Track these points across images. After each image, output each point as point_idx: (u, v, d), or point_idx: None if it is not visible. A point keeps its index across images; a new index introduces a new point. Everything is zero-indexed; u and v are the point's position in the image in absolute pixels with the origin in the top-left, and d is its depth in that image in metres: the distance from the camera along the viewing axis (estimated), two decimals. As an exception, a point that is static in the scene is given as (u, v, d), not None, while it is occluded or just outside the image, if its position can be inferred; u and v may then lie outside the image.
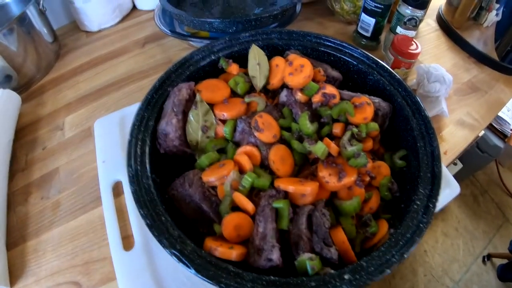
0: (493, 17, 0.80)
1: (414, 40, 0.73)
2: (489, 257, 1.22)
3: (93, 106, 0.72)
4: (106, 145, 0.63)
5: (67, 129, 0.70)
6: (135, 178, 0.45)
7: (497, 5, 0.78)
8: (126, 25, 0.89)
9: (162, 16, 0.77)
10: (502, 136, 1.13)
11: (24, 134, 0.70)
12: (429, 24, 0.92)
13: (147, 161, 0.47)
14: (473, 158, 1.15)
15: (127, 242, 0.54)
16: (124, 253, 0.52)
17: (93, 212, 0.59)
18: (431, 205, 0.44)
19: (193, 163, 0.50)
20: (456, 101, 0.77)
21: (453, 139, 0.71)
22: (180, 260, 0.39)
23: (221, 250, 0.41)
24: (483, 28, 0.83)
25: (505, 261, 1.18)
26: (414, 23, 0.74)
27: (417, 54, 0.72)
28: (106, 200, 0.57)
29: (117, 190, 0.59)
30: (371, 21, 0.74)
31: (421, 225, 0.42)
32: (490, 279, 1.20)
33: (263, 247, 0.41)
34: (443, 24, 0.91)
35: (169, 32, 0.72)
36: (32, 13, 0.75)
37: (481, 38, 0.84)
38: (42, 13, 0.79)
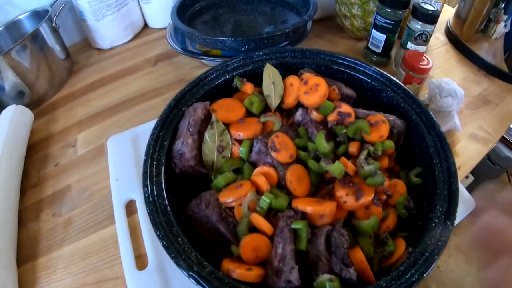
0: (501, 28, 0.80)
1: (425, 55, 0.73)
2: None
3: (105, 124, 0.73)
4: (119, 163, 0.63)
5: (79, 146, 0.70)
6: (151, 199, 0.45)
7: (505, 16, 0.78)
8: (138, 43, 0.90)
9: (174, 34, 0.78)
10: (513, 148, 1.13)
11: (36, 151, 0.70)
12: (438, 38, 0.92)
13: (163, 181, 0.47)
14: (485, 170, 1.14)
15: (140, 261, 0.54)
16: (137, 273, 0.52)
17: (105, 230, 0.59)
18: (449, 223, 0.44)
19: (208, 184, 0.50)
20: (468, 115, 0.77)
21: (466, 153, 0.71)
22: (198, 282, 0.39)
23: (239, 272, 0.40)
24: (492, 40, 0.83)
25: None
26: (424, 38, 0.74)
27: (429, 69, 0.72)
28: (119, 219, 0.57)
29: (130, 208, 0.59)
30: (382, 37, 0.75)
31: (439, 243, 0.42)
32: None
33: (282, 268, 0.41)
34: (452, 37, 0.92)
35: (181, 50, 0.73)
36: (45, 30, 0.77)
37: (490, 50, 0.85)
38: (55, 31, 0.80)
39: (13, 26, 0.83)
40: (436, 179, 0.48)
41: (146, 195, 0.45)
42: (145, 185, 0.46)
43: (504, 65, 0.83)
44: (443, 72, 0.83)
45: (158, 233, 0.42)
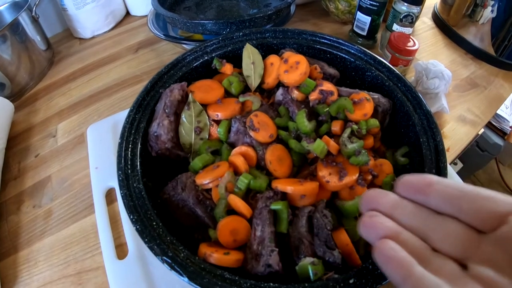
0: (488, 13, 0.78)
1: (411, 37, 0.70)
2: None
3: (85, 113, 0.69)
4: (99, 151, 0.60)
5: (60, 136, 0.67)
6: (125, 182, 0.42)
7: (492, 2, 0.76)
8: (120, 31, 0.87)
9: (155, 20, 0.74)
10: (502, 134, 1.10)
11: (17, 142, 0.67)
12: (424, 22, 0.90)
13: (138, 164, 0.44)
14: (473, 157, 1.11)
15: (120, 250, 0.51)
16: (118, 262, 0.49)
17: (85, 220, 0.56)
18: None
19: (187, 166, 0.47)
20: (456, 97, 0.74)
21: (455, 135, 0.68)
22: (172, 267, 0.36)
23: (217, 256, 0.38)
24: (479, 25, 0.80)
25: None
26: (410, 20, 0.72)
27: (415, 51, 0.69)
28: (99, 208, 0.54)
29: (110, 197, 0.56)
30: (367, 19, 0.72)
31: None
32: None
33: (261, 252, 0.38)
34: (439, 21, 0.89)
35: (162, 36, 0.70)
36: (25, 20, 0.74)
37: (478, 34, 0.82)
38: (35, 21, 0.77)
39: (-7, 17, 0.79)
40: (424, 158, 0.45)
41: (120, 179, 0.42)
42: (119, 169, 0.43)
43: (492, 49, 0.81)
44: (430, 55, 0.80)
45: (131, 217, 0.40)
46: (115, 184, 0.56)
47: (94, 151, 0.60)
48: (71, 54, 0.82)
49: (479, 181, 1.31)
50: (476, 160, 1.11)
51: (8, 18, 0.80)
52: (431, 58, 0.79)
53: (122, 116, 0.63)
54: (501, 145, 1.08)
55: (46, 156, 0.64)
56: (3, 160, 0.63)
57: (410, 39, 0.70)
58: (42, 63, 0.78)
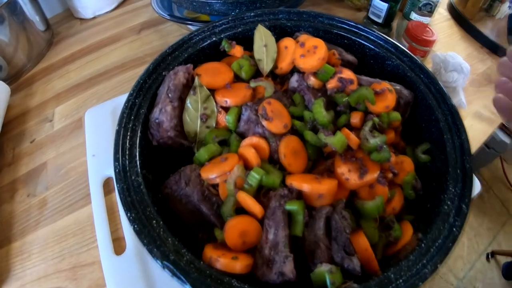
0: (506, 9, 0.71)
1: (429, 26, 0.63)
2: (492, 254, 1.13)
3: (84, 96, 0.62)
4: (96, 137, 0.54)
5: (57, 120, 0.60)
6: (122, 174, 0.36)
7: (511, -3, 0.69)
8: (122, 11, 0.78)
9: (160, 0, 0.67)
10: (509, 132, 1.03)
11: (12, 127, 0.61)
12: (440, 13, 0.82)
13: (137, 154, 0.38)
14: (479, 154, 1.05)
15: (118, 245, 0.45)
16: (115, 258, 0.44)
17: (82, 211, 0.51)
18: (464, 206, 0.36)
19: (191, 157, 0.40)
20: (472, 92, 0.67)
21: (471, 132, 0.62)
22: (173, 273, 0.31)
23: (223, 262, 0.32)
24: (495, 19, 0.74)
25: (509, 259, 1.09)
26: (429, 9, 0.64)
27: (433, 41, 0.62)
28: (95, 198, 0.48)
29: (107, 186, 0.50)
30: (384, 6, 0.64)
31: (454, 229, 0.34)
32: (494, 277, 1.12)
33: (274, 258, 0.32)
34: (455, 13, 0.81)
35: (167, 16, 0.62)
36: (23, 0, 0.66)
37: (494, 29, 0.75)
38: (34, 0, 0.69)
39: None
40: (447, 157, 0.39)
41: (117, 171, 0.36)
42: (116, 159, 0.37)
43: (508, 45, 0.74)
44: (446, 47, 0.73)
45: (129, 214, 0.34)
46: (113, 173, 0.50)
47: (91, 137, 0.54)
48: (71, 35, 0.74)
49: (482, 178, 1.26)
50: (481, 157, 1.05)
51: (7, -2, 0.72)
52: (447, 50, 0.72)
53: (122, 100, 0.55)
54: (507, 143, 1.01)
55: (42, 142, 0.58)
56: (-3, 146, 0.56)
57: (428, 29, 0.63)
58: (41, 44, 0.70)
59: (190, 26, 0.63)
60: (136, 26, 0.74)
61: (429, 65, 0.66)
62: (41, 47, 0.71)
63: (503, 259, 1.10)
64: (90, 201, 0.49)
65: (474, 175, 0.54)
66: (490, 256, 1.12)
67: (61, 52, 0.70)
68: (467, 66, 0.62)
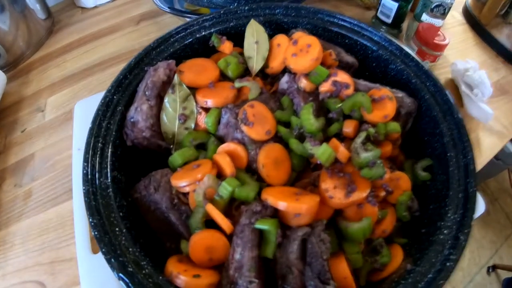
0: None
1: (441, 30, 0.57)
2: (493, 268, 1.05)
3: (77, 87, 0.59)
4: (84, 131, 0.49)
5: (48, 110, 0.57)
6: (89, 176, 0.32)
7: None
8: (123, 1, 0.74)
9: (160, -9, 0.62)
10: (519, 143, 0.96)
11: (5, 115, 0.58)
12: (454, 16, 0.74)
13: (109, 155, 0.34)
14: (487, 165, 0.98)
15: (95, 243, 0.42)
16: (92, 256, 0.41)
17: (64, 205, 0.48)
18: (462, 238, 0.30)
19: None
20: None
21: (479, 147, 0.56)
22: (128, 287, 0.26)
23: (184, 280, 0.28)
24: (512, 26, 0.66)
25: (510, 274, 1.02)
26: (442, 11, 0.58)
27: (445, 46, 0.56)
28: (76, 194, 0.45)
29: (90, 182, 0.47)
30: (394, 5, 0.58)
31: (447, 263, 0.29)
32: (493, 291, 1.05)
33: (238, 281, 0.27)
34: (470, 18, 0.73)
35: (167, 8, 0.58)
36: (24, -12, 0.63)
37: (510, 36, 0.67)
38: (35, -13, 0.66)
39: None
40: (449, 177, 0.34)
41: (85, 172, 0.33)
42: (85, 159, 0.33)
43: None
44: (459, 53, 0.66)
45: (91, 219, 0.30)
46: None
47: (79, 131, 0.50)
48: (72, 23, 0.71)
49: (488, 189, 1.18)
50: (489, 169, 0.98)
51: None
52: (460, 56, 0.65)
53: None
54: (518, 155, 0.94)
55: (32, 132, 0.55)
56: (-10, 134, 0.54)
57: (440, 33, 0.56)
58: (41, 32, 0.68)
59: (189, 19, 0.58)
60: (135, 17, 0.70)
61: (438, 71, 0.60)
62: (40, 35, 0.68)
63: (504, 274, 1.03)
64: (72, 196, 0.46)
65: (478, 193, 0.48)
66: (491, 270, 1.05)
67: (60, 40, 0.67)
68: (489, 89, 0.55)
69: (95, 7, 0.73)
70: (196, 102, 0.36)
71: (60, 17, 0.72)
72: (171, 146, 0.37)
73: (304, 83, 0.37)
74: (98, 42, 0.65)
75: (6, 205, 0.48)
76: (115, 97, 0.37)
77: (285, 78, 0.38)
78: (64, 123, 0.55)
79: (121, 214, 0.31)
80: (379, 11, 0.61)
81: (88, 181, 0.32)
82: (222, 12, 0.43)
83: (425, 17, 0.59)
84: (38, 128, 0.56)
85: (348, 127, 0.36)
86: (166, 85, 0.37)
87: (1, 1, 0.59)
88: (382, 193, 0.35)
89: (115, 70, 0.61)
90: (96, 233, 0.29)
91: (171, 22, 0.67)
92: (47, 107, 0.58)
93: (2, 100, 0.59)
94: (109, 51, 0.63)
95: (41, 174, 0.51)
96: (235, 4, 0.51)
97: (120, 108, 0.37)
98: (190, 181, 0.30)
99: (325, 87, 0.36)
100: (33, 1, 0.66)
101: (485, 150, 0.56)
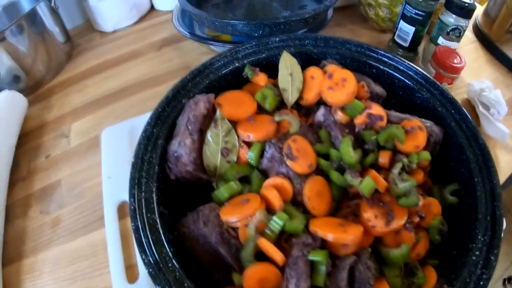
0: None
1: (457, 52, 0.60)
2: (509, 280, 1.08)
3: (101, 113, 0.60)
4: (113, 158, 0.52)
5: (73, 137, 0.59)
6: (137, 212, 0.34)
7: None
8: (143, 26, 0.76)
9: (181, 17, 0.65)
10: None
11: (28, 140, 0.59)
12: (465, 35, 0.78)
13: (154, 189, 0.36)
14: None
15: (131, 273, 0.44)
16: (127, 286, 0.42)
17: (95, 233, 0.49)
18: (492, 258, 0.33)
19: (209, 191, 0.38)
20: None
21: (497, 164, 0.58)
22: None
23: (241, 311, 0.29)
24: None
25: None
26: (458, 34, 0.61)
27: (461, 68, 0.59)
28: (109, 223, 0.47)
29: (123, 210, 0.48)
30: (410, 29, 0.61)
31: (481, 282, 0.31)
32: (508, 303, 1.07)
33: (295, 311, 0.29)
34: (481, 35, 0.77)
35: (188, 34, 0.60)
36: (43, 11, 0.65)
37: (522, 52, 0.71)
38: (54, 12, 0.68)
39: (12, 7, 0.70)
40: (477, 201, 0.36)
41: (132, 208, 0.34)
42: (131, 195, 0.35)
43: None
44: (472, 73, 0.69)
45: (143, 257, 0.31)
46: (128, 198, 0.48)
47: (107, 158, 0.52)
48: (91, 48, 0.73)
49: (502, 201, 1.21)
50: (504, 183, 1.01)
51: (26, 7, 0.71)
52: (473, 76, 0.68)
53: (139, 120, 0.54)
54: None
55: (57, 158, 0.56)
56: (13, 158, 0.55)
57: (457, 55, 0.59)
58: (60, 56, 0.69)
59: (211, 46, 0.61)
60: (156, 42, 0.72)
61: (454, 91, 0.63)
62: (60, 59, 0.69)
63: (518, 285, 1.06)
64: (104, 224, 0.47)
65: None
66: (506, 282, 1.07)
67: (80, 65, 0.69)
68: (504, 107, 0.58)
69: (114, 31, 0.75)
70: (237, 136, 0.38)
71: (78, 41, 0.74)
72: (213, 179, 0.39)
73: (340, 116, 0.39)
74: (120, 68, 0.67)
75: (32, 232, 0.49)
76: (154, 130, 0.39)
77: (322, 111, 0.40)
78: (90, 149, 0.56)
79: (171, 249, 0.33)
80: (396, 34, 0.64)
81: (136, 217, 0.33)
82: (254, 43, 0.45)
83: (441, 40, 0.62)
84: (63, 154, 0.57)
85: (384, 158, 0.38)
86: (206, 118, 0.39)
87: (20, 23, 0.60)
88: (417, 219, 0.37)
89: (140, 96, 0.62)
90: (150, 270, 0.31)
91: (193, 48, 0.69)
92: (72, 133, 0.59)
93: (24, 124, 0.60)
94: (131, 76, 0.65)
95: (69, 202, 0.52)
96: (260, 32, 0.54)
97: (160, 141, 0.38)
98: (241, 217, 0.32)
99: (360, 120, 0.39)
100: (52, 23, 0.67)
101: (503, 167, 0.58)
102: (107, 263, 0.44)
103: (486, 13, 0.77)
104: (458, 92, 0.64)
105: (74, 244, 0.48)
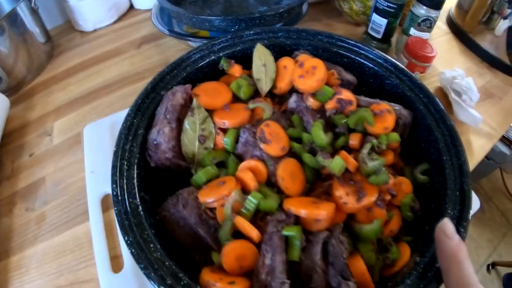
0: (505, 22, 0.71)
1: (429, 42, 0.64)
2: (493, 265, 1.12)
3: (84, 111, 0.63)
4: (95, 153, 0.54)
5: (56, 134, 0.60)
6: (120, 197, 0.36)
7: (509, 11, 0.69)
8: (123, 25, 0.79)
9: (160, 15, 0.67)
10: (508, 142, 1.04)
11: (11, 139, 0.61)
12: (439, 27, 0.82)
13: (135, 176, 0.38)
14: (478, 165, 1.05)
15: (116, 262, 0.46)
16: (113, 276, 0.44)
17: (80, 227, 0.51)
18: (462, 230, 0.35)
19: (189, 178, 0.40)
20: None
21: (470, 148, 0.62)
22: None
23: (220, 286, 0.31)
24: (494, 32, 0.74)
25: (510, 269, 1.09)
26: (429, 24, 0.65)
27: (433, 57, 0.62)
28: (93, 215, 0.49)
29: (106, 203, 0.51)
30: (383, 21, 0.65)
31: None
32: (494, 288, 1.12)
33: (271, 283, 0.32)
34: (454, 27, 0.81)
35: (166, 31, 0.63)
36: (23, 11, 0.66)
37: (493, 42, 0.75)
38: (34, 12, 0.69)
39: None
40: (446, 178, 0.39)
41: (115, 193, 0.36)
42: (113, 181, 0.37)
43: (506, 58, 0.74)
44: (445, 62, 0.73)
45: (126, 238, 0.34)
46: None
47: (90, 154, 0.54)
48: (72, 47, 0.75)
49: (482, 189, 1.26)
50: (481, 168, 1.05)
51: (6, 8, 0.72)
52: (446, 65, 0.72)
53: (120, 116, 0.56)
54: (507, 154, 1.02)
55: (40, 156, 0.58)
56: (-3, 158, 0.57)
57: (428, 45, 0.63)
58: (41, 56, 0.71)
59: (189, 42, 0.63)
60: (136, 40, 0.74)
61: (427, 80, 0.67)
62: (41, 59, 0.71)
63: (503, 270, 1.10)
64: (88, 217, 0.49)
65: (473, 191, 0.54)
66: (490, 267, 1.12)
67: (62, 64, 0.71)
68: (476, 94, 0.62)
69: (94, 30, 0.77)
70: (214, 123, 0.41)
71: (59, 41, 0.76)
72: (191, 166, 0.41)
73: (311, 102, 0.42)
74: (101, 66, 0.69)
75: (18, 230, 0.51)
76: (135, 120, 0.41)
77: (294, 98, 0.43)
78: (73, 146, 0.58)
79: (152, 231, 0.35)
80: (369, 27, 0.68)
81: (119, 202, 0.36)
82: (229, 37, 0.48)
83: (413, 31, 0.66)
84: (47, 152, 0.58)
85: (354, 140, 0.41)
86: (184, 108, 0.42)
87: (1, 24, 0.61)
88: (388, 197, 0.40)
89: (121, 93, 0.64)
90: (133, 250, 0.33)
91: (172, 45, 0.72)
92: (55, 131, 0.61)
93: (6, 124, 0.61)
94: (113, 74, 0.67)
95: (53, 198, 0.53)
96: (236, 27, 0.57)
97: (141, 131, 0.41)
98: (218, 197, 0.35)
99: (330, 105, 0.42)
100: (32, 24, 0.69)
101: (476, 151, 0.62)
102: (92, 256, 0.46)
103: (459, 5, 0.82)
104: (431, 81, 0.67)
105: (59, 239, 0.50)
